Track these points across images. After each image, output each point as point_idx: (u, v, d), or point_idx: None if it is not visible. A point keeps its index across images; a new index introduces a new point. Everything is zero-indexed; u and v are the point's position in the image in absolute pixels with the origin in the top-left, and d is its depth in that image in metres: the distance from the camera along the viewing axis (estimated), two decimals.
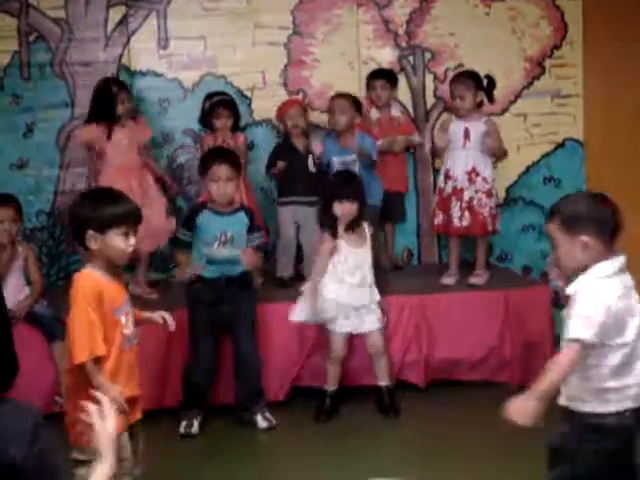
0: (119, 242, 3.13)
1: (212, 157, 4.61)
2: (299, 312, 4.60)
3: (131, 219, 3.17)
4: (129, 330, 3.19)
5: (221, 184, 4.45)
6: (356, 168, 5.15)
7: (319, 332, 4.70)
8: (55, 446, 1.75)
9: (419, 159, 5.85)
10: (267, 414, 4.48)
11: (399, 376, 4.78)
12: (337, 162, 5.22)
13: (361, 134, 5.25)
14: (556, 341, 4.79)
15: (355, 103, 5.29)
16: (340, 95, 5.33)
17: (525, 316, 4.90)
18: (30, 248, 4.97)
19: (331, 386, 4.62)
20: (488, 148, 5.08)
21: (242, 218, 4.56)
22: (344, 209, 4.47)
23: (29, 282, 4.80)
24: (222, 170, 4.46)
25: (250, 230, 4.58)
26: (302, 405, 4.69)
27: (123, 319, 3.17)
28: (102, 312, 3.10)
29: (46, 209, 5.73)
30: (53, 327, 4.55)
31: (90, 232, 3.12)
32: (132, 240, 3.16)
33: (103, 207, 3.14)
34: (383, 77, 5.55)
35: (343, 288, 4.50)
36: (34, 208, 5.65)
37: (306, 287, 4.61)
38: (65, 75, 5.68)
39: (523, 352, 4.86)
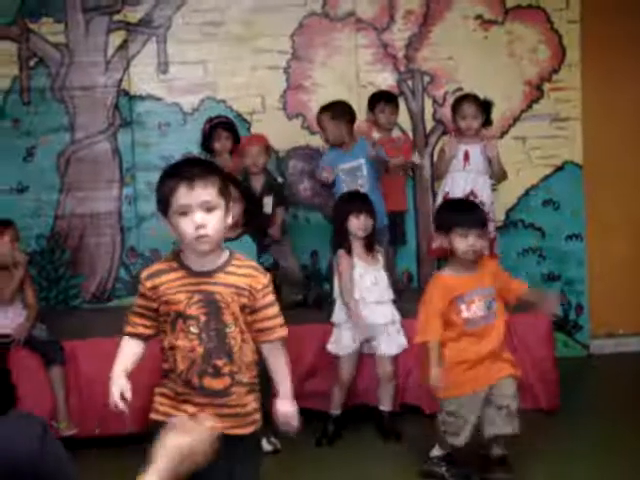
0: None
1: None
2: (334, 343, 4.49)
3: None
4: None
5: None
6: (364, 172, 5.09)
7: (319, 355, 4.65)
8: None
9: (419, 182, 5.85)
10: (272, 438, 4.43)
11: (403, 399, 4.73)
12: (344, 169, 5.13)
13: (362, 138, 5.21)
14: (558, 364, 4.78)
15: (344, 110, 5.18)
16: (327, 109, 5.18)
17: (526, 340, 4.86)
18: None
19: (335, 410, 4.53)
20: (490, 171, 5.06)
21: None
22: (361, 223, 4.37)
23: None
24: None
25: None
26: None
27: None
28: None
29: (46, 233, 5.73)
30: (51, 352, 4.52)
31: None
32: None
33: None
34: (393, 100, 5.48)
35: (365, 307, 4.41)
36: (34, 232, 5.66)
37: (339, 316, 4.47)
38: (65, 99, 5.71)
39: (524, 376, 4.82)
